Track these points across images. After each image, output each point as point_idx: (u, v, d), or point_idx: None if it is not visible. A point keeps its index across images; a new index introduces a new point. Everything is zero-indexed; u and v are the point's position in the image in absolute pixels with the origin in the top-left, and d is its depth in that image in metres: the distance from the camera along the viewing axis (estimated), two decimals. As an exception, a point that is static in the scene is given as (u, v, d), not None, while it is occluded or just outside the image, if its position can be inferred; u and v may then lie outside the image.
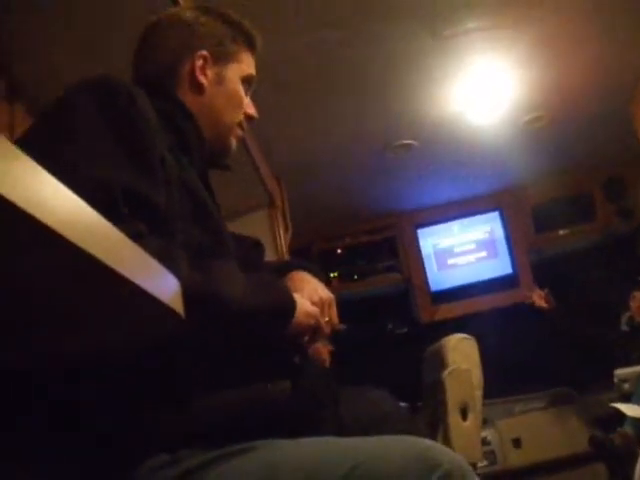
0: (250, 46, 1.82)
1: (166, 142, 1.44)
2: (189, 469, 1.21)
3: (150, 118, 1.39)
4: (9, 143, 0.54)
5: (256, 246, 1.87)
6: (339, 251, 7.03)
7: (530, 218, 6.92)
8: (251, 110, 1.82)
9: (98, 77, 1.40)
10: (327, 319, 1.59)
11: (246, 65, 1.80)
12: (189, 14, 1.77)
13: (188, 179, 1.47)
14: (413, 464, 1.19)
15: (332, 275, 6.87)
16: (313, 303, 1.54)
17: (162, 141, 1.41)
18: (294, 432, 1.31)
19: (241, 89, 1.78)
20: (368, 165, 5.75)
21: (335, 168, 5.68)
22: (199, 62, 1.71)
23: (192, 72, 1.70)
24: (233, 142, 1.80)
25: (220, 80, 1.74)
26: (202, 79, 1.71)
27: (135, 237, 0.83)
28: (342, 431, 1.49)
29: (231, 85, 1.76)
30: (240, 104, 1.79)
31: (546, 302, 5.97)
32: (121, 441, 1.21)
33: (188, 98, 1.68)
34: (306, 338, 1.53)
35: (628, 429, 4.41)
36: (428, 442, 1.29)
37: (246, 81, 1.80)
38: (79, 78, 1.41)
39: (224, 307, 1.25)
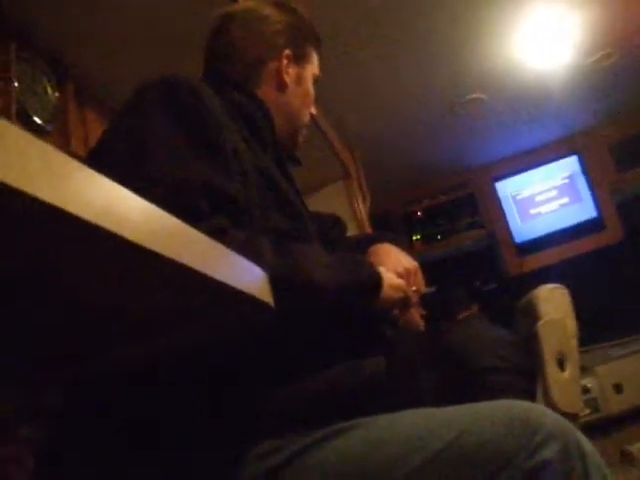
0: (318, 46, 1.86)
1: (238, 132, 1.45)
2: (292, 454, 1.22)
3: (217, 110, 1.39)
4: (75, 162, 0.55)
5: (337, 223, 1.88)
6: (419, 213, 7.02)
7: (609, 158, 6.79)
8: (314, 110, 1.86)
9: (161, 78, 1.41)
10: (414, 288, 1.59)
11: (316, 66, 1.85)
12: (268, 10, 1.78)
13: (263, 167, 1.47)
14: (515, 427, 1.19)
15: (415, 238, 6.87)
16: (398, 275, 1.54)
17: (233, 132, 1.42)
18: (392, 406, 1.32)
19: (312, 90, 1.82)
20: (438, 125, 5.71)
21: (407, 131, 5.66)
22: (284, 61, 1.74)
23: (279, 71, 1.73)
24: (301, 139, 1.83)
25: (299, 80, 1.78)
26: (287, 78, 1.74)
27: (217, 233, 0.84)
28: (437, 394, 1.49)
29: (307, 86, 1.80)
30: (311, 104, 1.83)
31: None
32: (227, 429, 1.23)
33: (270, 95, 1.71)
34: (396, 311, 1.53)
35: None
36: (529, 404, 1.28)
37: (315, 82, 1.84)
38: (144, 76, 1.42)
39: (313, 291, 1.26)
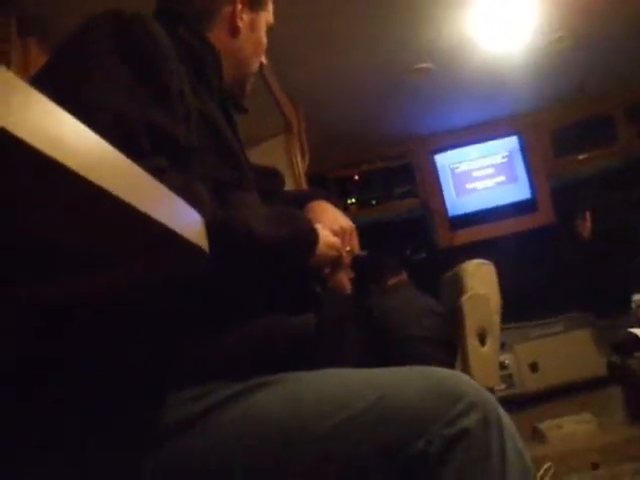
0: None
1: (185, 75, 1.42)
2: (215, 403, 1.22)
3: (167, 50, 1.36)
4: (27, 86, 0.53)
5: (275, 176, 1.87)
6: (356, 177, 7.00)
7: (549, 142, 6.86)
8: (264, 59, 1.84)
9: (111, 11, 1.37)
10: (348, 249, 1.59)
11: (270, 14, 1.82)
12: None
13: (207, 112, 1.45)
14: (438, 394, 1.20)
15: (349, 201, 6.86)
16: (334, 233, 1.54)
17: (181, 73, 1.39)
18: (318, 364, 1.32)
19: (265, 38, 1.79)
20: (385, 90, 5.69)
21: (352, 93, 5.63)
22: (239, 6, 1.71)
23: (233, 15, 1.70)
24: (249, 87, 1.81)
25: (253, 27, 1.75)
26: (240, 23, 1.71)
27: (157, 173, 0.82)
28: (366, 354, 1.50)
29: (260, 33, 1.78)
30: (262, 52, 1.81)
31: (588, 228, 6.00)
32: (152, 373, 1.22)
33: (222, 40, 1.68)
34: (328, 269, 1.53)
35: (645, 354, 4.43)
36: (453, 372, 1.30)
37: (269, 30, 1.81)
38: (91, 12, 1.38)
39: (248, 241, 1.24)
